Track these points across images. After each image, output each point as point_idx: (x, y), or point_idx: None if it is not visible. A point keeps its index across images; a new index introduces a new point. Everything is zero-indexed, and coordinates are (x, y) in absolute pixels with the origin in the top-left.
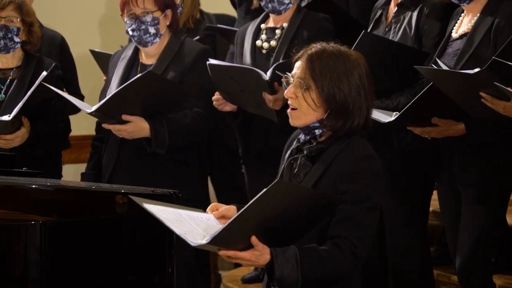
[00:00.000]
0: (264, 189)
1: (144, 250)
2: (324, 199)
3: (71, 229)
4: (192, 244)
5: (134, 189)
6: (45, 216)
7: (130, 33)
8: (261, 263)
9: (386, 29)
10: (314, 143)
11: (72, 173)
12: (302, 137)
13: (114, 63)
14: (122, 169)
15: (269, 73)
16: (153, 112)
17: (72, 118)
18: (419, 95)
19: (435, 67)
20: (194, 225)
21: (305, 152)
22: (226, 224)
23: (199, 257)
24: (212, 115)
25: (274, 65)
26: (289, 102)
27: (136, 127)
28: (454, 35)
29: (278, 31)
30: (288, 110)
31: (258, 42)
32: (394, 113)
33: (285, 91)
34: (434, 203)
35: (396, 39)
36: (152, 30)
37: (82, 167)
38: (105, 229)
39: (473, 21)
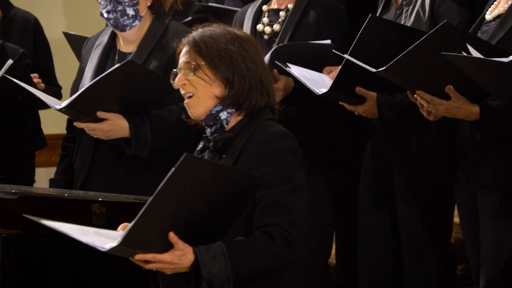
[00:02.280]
0: (172, 168)
1: (122, 266)
2: (242, 177)
3: (38, 243)
4: (101, 249)
5: (113, 196)
6: (8, 229)
7: (105, 15)
8: (184, 265)
9: (397, 13)
10: (219, 133)
11: (43, 178)
12: (207, 131)
13: (88, 51)
14: (98, 174)
15: (266, 58)
16: (133, 109)
17: (42, 114)
18: (423, 37)
19: (465, 53)
20: (102, 237)
21: (210, 144)
22: (136, 218)
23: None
24: None
25: (273, 49)
26: (182, 92)
27: (113, 125)
28: (488, 16)
29: (282, 14)
30: (185, 102)
31: (259, 27)
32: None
33: (175, 83)
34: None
35: (408, 24)
36: (130, 11)
37: (53, 171)
38: (78, 242)
39: (510, 2)
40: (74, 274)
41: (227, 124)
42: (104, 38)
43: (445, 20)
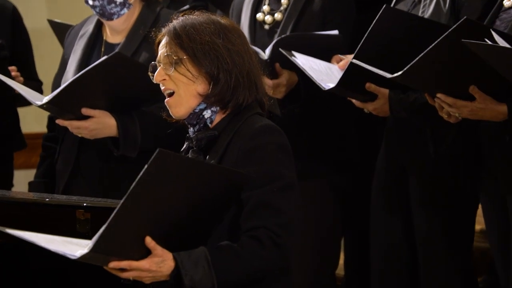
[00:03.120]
0: (145, 166)
1: (106, 279)
2: (223, 174)
3: (15, 253)
4: (72, 257)
5: (99, 202)
6: None
7: (90, 2)
8: (164, 272)
9: (415, 1)
10: (202, 131)
11: (22, 181)
12: (190, 130)
13: (71, 41)
14: (82, 176)
15: (268, 51)
16: (122, 105)
17: (21, 111)
18: (442, 36)
19: (489, 42)
20: (72, 245)
21: (193, 143)
22: (108, 221)
23: None
24: None
25: (275, 40)
26: (162, 88)
27: (100, 123)
28: (507, 3)
29: (284, 1)
30: (166, 100)
31: (259, 15)
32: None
33: (154, 77)
34: (481, 220)
35: (426, 15)
36: None
37: (32, 174)
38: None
39: None
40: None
41: (211, 122)
42: (89, 28)
43: (465, 17)
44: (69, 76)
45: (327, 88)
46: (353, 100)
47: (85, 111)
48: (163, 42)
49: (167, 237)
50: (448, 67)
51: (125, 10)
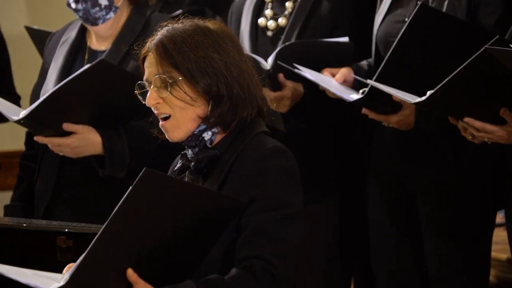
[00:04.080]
0: (130, 187)
1: None
2: (214, 198)
3: None
4: None
5: (83, 227)
6: None
7: (73, 5)
8: None
9: None
10: (202, 150)
11: None
12: (189, 152)
13: (51, 49)
14: (64, 199)
15: (270, 60)
16: (108, 119)
17: None
18: (469, 60)
19: None
20: (45, 279)
21: (191, 164)
22: (87, 251)
23: None
24: None
25: (279, 48)
26: (156, 112)
27: (83, 140)
28: None
29: (289, 4)
30: (160, 124)
31: (261, 21)
32: (429, 92)
33: (146, 100)
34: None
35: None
36: (103, 1)
37: (8, 196)
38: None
39: None
40: None
41: (211, 143)
42: (72, 34)
43: (497, 36)
44: (50, 87)
45: (351, 100)
46: (372, 113)
47: (66, 126)
48: (150, 59)
49: (151, 267)
50: (475, 90)
51: (111, 14)
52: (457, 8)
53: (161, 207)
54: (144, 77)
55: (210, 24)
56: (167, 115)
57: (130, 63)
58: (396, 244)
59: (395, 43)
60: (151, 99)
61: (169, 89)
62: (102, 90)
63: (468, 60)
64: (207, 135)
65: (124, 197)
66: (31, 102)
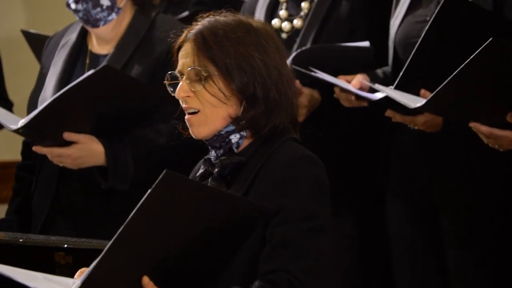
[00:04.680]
0: (149, 190)
1: None
2: (238, 204)
3: None
4: None
5: (82, 243)
6: None
7: (73, 6)
8: None
9: None
10: (227, 156)
11: None
12: (212, 154)
13: (50, 53)
14: (63, 213)
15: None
16: (111, 128)
17: None
18: (472, 56)
19: None
20: (55, 285)
21: (215, 170)
22: (101, 255)
23: None
24: None
25: (294, 53)
26: (184, 106)
27: (85, 150)
28: None
29: (305, 5)
30: (186, 117)
31: (275, 22)
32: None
33: (176, 92)
34: None
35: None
36: (105, 1)
37: (4, 210)
38: None
39: None
40: None
41: (237, 147)
42: (72, 37)
43: (491, 38)
44: (48, 93)
45: (376, 98)
46: (397, 116)
47: (67, 135)
48: (187, 50)
49: (168, 275)
50: (479, 91)
51: (114, 15)
52: (482, 3)
53: (181, 211)
54: (177, 68)
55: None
56: (196, 110)
57: (134, 68)
58: (420, 260)
59: (419, 41)
60: (182, 91)
61: (202, 83)
62: (106, 97)
63: (473, 55)
64: (234, 138)
65: (142, 200)
66: (28, 110)
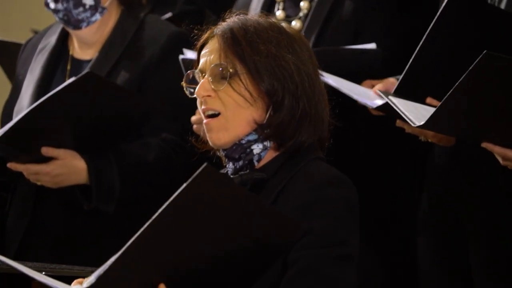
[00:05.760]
0: (184, 184)
1: None
2: (275, 219)
3: None
4: None
5: (62, 269)
6: None
7: (52, 6)
8: None
9: None
10: (248, 171)
11: None
12: (229, 166)
13: (26, 58)
14: (40, 236)
15: None
16: (94, 143)
17: None
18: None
19: None
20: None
21: None
22: (118, 255)
23: None
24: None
25: None
26: (203, 107)
27: (65, 167)
28: None
29: (304, 4)
30: (205, 122)
31: None
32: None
33: (196, 90)
34: None
35: (502, 5)
36: (88, 0)
37: None
38: None
39: None
40: None
41: (259, 160)
42: (51, 40)
43: (485, 51)
44: (25, 103)
45: (374, 106)
46: (405, 126)
47: (46, 151)
48: (212, 46)
49: (186, 286)
50: (481, 110)
51: (98, 16)
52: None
53: (214, 214)
54: (198, 67)
55: (287, 26)
56: (216, 113)
57: (120, 75)
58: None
59: (423, 38)
60: (202, 89)
61: (228, 80)
62: (89, 108)
63: (466, 72)
64: (257, 148)
65: (176, 192)
66: (3, 121)
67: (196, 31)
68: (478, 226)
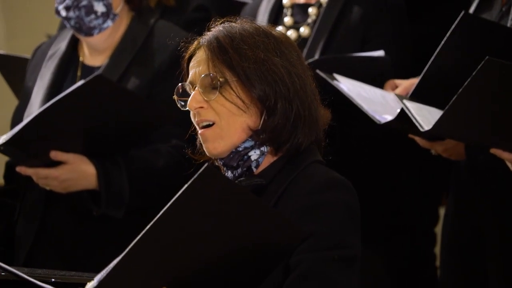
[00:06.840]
0: (185, 185)
1: None
2: (277, 222)
3: None
4: None
5: (72, 276)
6: None
7: (63, 13)
8: None
9: (503, 10)
10: (247, 178)
11: None
12: (228, 175)
13: (37, 65)
14: (50, 243)
15: None
16: (104, 147)
17: None
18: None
19: None
20: None
21: None
22: (120, 257)
23: None
24: None
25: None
26: (197, 119)
27: (74, 172)
28: None
29: (312, 11)
30: (200, 132)
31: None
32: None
33: (188, 103)
34: None
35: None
36: (99, 7)
37: None
38: None
39: None
40: None
41: (257, 166)
42: (61, 46)
43: (487, 57)
44: (35, 109)
45: (383, 121)
46: (416, 138)
47: (55, 155)
48: (200, 57)
49: None
50: (486, 115)
51: (109, 22)
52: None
53: (215, 215)
54: (188, 79)
55: (272, 29)
56: (210, 123)
57: (130, 81)
58: None
59: (436, 53)
60: (194, 101)
61: (218, 90)
62: (98, 112)
63: (470, 77)
64: (254, 155)
65: (177, 194)
66: (12, 127)
67: (182, 43)
68: (495, 233)
